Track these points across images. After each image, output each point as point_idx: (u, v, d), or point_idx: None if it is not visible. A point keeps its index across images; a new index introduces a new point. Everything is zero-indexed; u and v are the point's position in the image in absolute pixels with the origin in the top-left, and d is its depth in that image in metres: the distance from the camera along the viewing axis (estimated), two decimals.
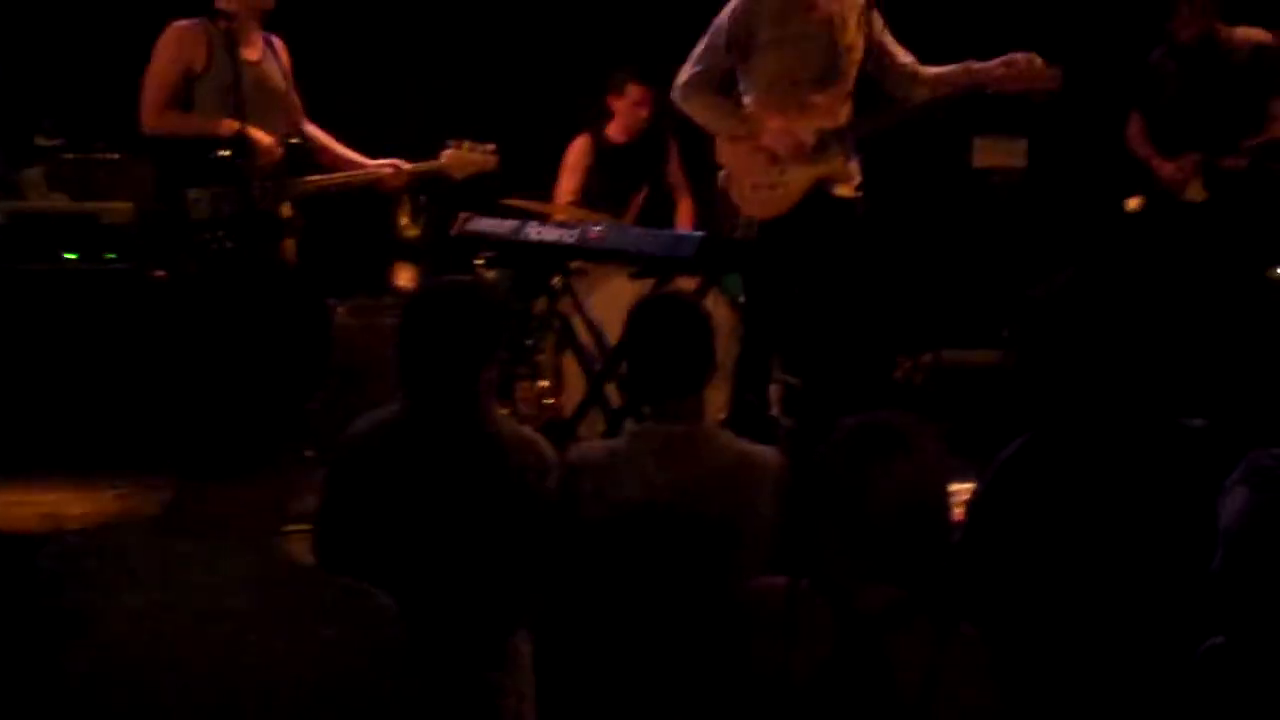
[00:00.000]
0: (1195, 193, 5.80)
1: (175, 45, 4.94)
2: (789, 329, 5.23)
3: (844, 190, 5.08)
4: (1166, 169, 5.85)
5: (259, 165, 4.89)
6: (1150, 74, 5.97)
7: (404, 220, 5.90)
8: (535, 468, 3.08)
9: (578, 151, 6.63)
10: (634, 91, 6.52)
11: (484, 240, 5.30)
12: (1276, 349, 5.62)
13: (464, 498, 3.00)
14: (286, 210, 5.01)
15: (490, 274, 5.98)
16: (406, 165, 5.29)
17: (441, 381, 3.06)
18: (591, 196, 6.53)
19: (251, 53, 5.01)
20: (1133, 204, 6.39)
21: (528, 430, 3.29)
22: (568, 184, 6.59)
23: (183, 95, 4.94)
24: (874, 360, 5.84)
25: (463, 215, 5.22)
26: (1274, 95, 5.74)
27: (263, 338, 1.81)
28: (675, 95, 5.16)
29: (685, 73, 5.11)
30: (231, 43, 4.85)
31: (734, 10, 5.03)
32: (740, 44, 5.02)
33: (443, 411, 3.06)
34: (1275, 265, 5.80)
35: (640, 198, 6.62)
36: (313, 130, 5.29)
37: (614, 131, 6.62)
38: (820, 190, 5.05)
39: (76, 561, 1.79)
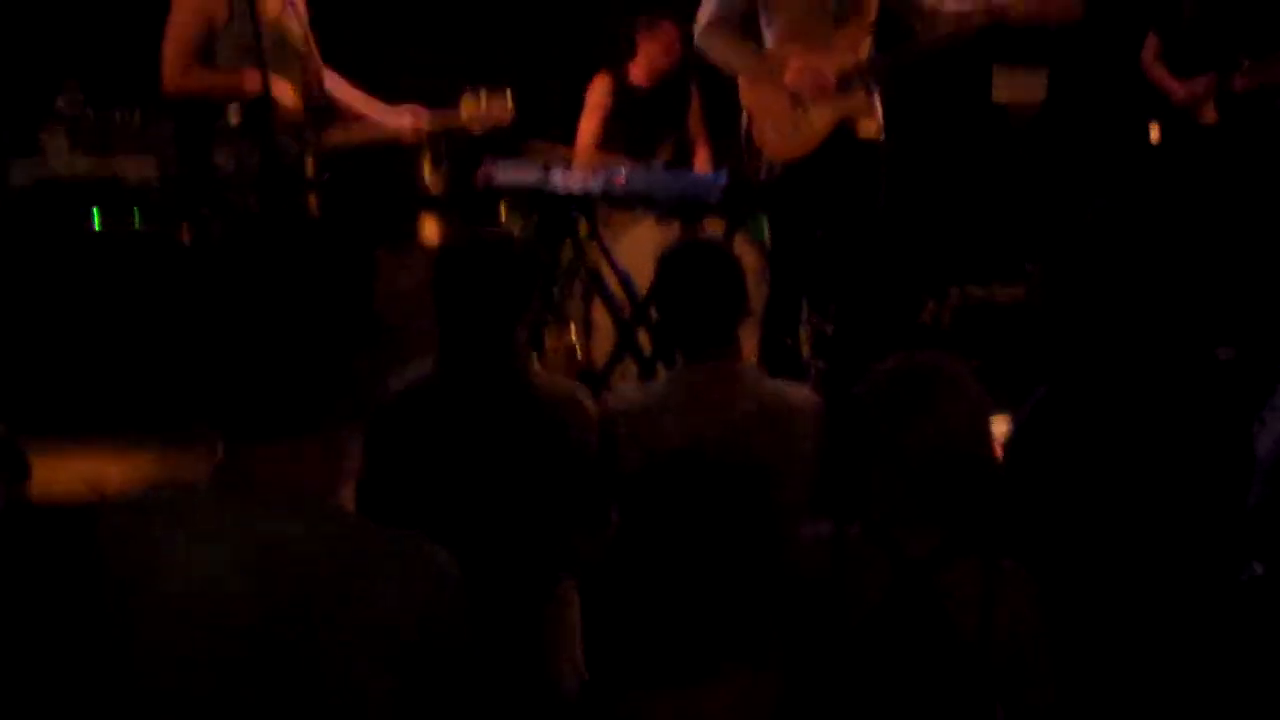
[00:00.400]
0: (1209, 115, 5.75)
1: (195, 1, 4.91)
2: (816, 272, 5.23)
3: (867, 128, 5.05)
4: (1180, 92, 5.82)
5: (283, 122, 4.88)
6: None
7: (427, 172, 5.89)
8: (575, 422, 3.09)
9: (599, 92, 6.51)
10: (669, 29, 6.39)
11: (508, 190, 5.29)
12: None
13: (505, 453, 3.00)
14: (310, 166, 5.01)
15: (516, 223, 5.98)
16: (425, 117, 5.25)
17: (478, 337, 3.07)
18: (614, 141, 6.48)
19: (272, 7, 4.99)
20: (1155, 133, 6.37)
21: (567, 383, 3.29)
22: (589, 125, 6.51)
23: (204, 51, 4.92)
24: (901, 301, 5.83)
25: (485, 165, 5.20)
26: None
27: (295, 296, 1.82)
28: (696, 39, 5.13)
29: (704, 14, 5.08)
30: None
31: None
32: None
33: (480, 367, 3.07)
34: None
35: (665, 146, 6.57)
36: (333, 82, 5.26)
37: (637, 73, 6.51)
38: (843, 130, 5.02)
39: (140, 520, 1.81)
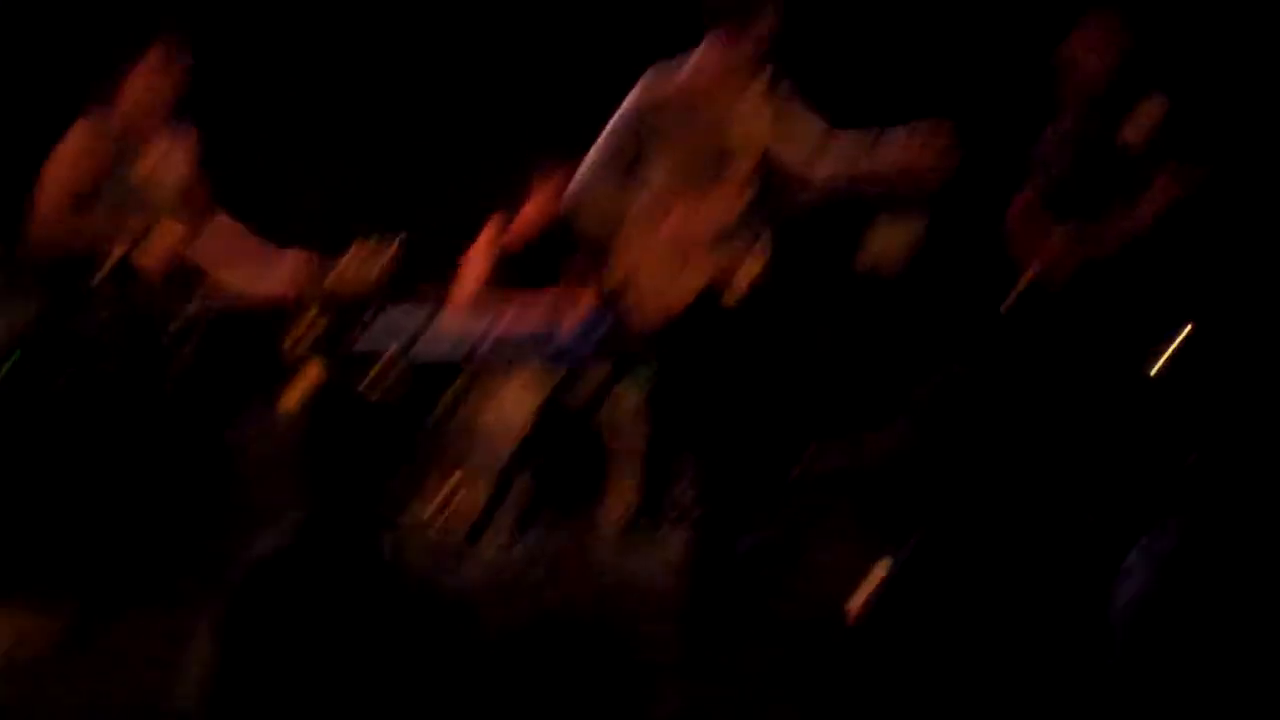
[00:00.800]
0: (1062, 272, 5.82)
1: (71, 150, 4.89)
2: (698, 419, 5.24)
3: (745, 277, 5.11)
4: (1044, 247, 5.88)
5: (149, 281, 4.83)
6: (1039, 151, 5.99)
7: (303, 325, 5.85)
8: (443, 579, 3.06)
9: (487, 238, 6.56)
10: (543, 178, 6.46)
11: (385, 343, 5.27)
12: (1156, 438, 5.61)
13: (368, 607, 2.96)
14: (184, 318, 4.95)
15: (390, 376, 5.94)
16: (308, 269, 5.20)
17: (343, 491, 3.04)
18: (502, 285, 6.50)
19: (145, 161, 4.97)
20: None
21: (433, 538, 3.26)
22: (478, 271, 6.55)
23: (80, 202, 4.88)
24: (779, 448, 5.85)
25: (359, 323, 5.18)
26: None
27: (143, 464, 1.79)
28: (575, 187, 5.17)
29: (586, 164, 5.13)
30: (129, 145, 4.81)
31: (634, 103, 5.07)
32: (640, 136, 5.05)
33: (346, 522, 3.03)
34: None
35: (553, 290, 6.59)
36: (216, 226, 5.21)
37: (521, 222, 6.61)
38: (723, 279, 5.08)
39: None
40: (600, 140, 5.12)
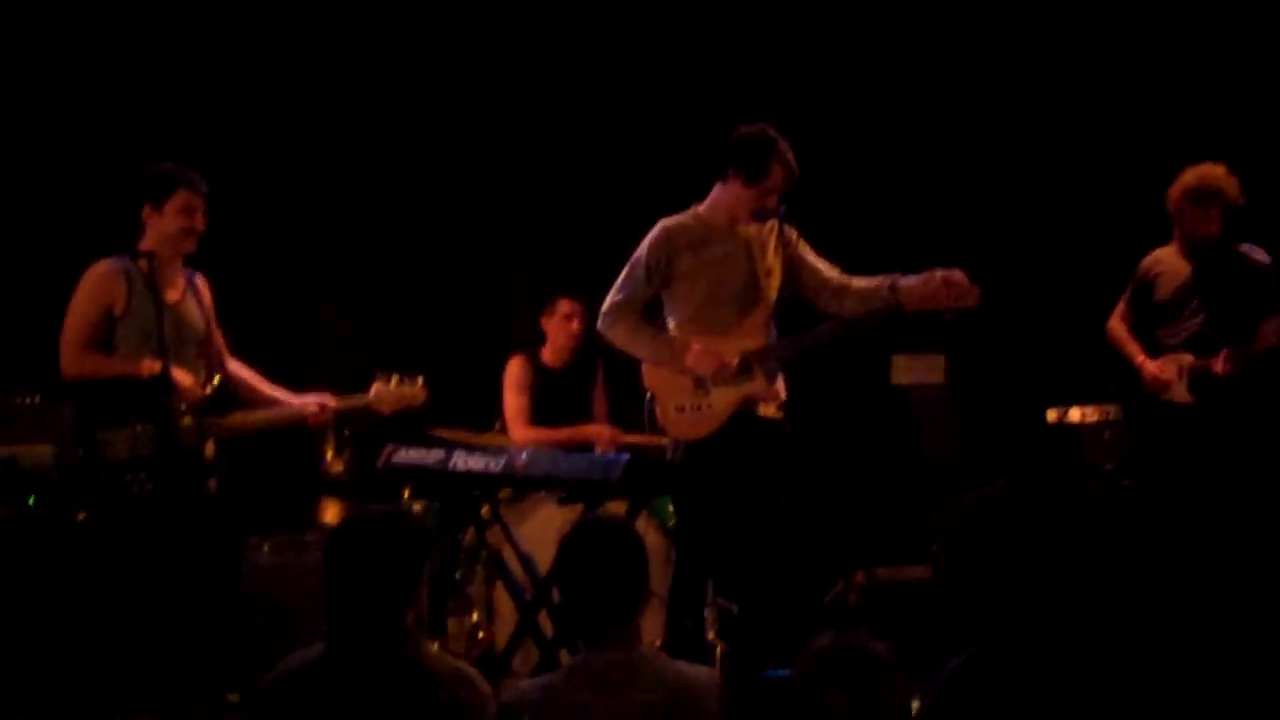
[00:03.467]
0: (1180, 394, 5.83)
1: (96, 286, 4.95)
2: (721, 552, 5.21)
3: (768, 410, 5.12)
4: (1150, 368, 5.87)
5: (181, 405, 4.86)
6: (1146, 271, 5.99)
7: (329, 454, 5.89)
8: (469, 703, 3.03)
9: (518, 369, 6.60)
10: (564, 305, 6.57)
11: (410, 472, 5.27)
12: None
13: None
14: (210, 449, 4.97)
15: (417, 506, 5.95)
16: (332, 402, 5.29)
17: (366, 617, 3.04)
18: (538, 418, 6.54)
19: (173, 293, 5.03)
20: (1052, 415, 6.47)
21: (460, 663, 3.23)
22: (517, 402, 6.55)
23: (104, 336, 4.93)
24: (807, 581, 5.81)
25: (389, 447, 5.20)
26: (1267, 315, 5.78)
27: (175, 582, 1.80)
28: (600, 324, 5.21)
29: (608, 301, 5.17)
30: (152, 283, 4.86)
31: (652, 241, 5.13)
32: (660, 273, 5.11)
33: (369, 648, 3.03)
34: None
35: (577, 423, 6.61)
36: (237, 367, 5.28)
37: (548, 355, 6.64)
38: (745, 411, 5.08)
39: None
40: (624, 275, 5.16)
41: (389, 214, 7.35)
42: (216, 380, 5.06)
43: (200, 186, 5.04)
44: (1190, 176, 5.78)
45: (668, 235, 5.12)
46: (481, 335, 7.47)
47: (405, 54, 7.26)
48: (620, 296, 5.15)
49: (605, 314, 5.18)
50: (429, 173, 7.37)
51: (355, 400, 5.31)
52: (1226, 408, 5.73)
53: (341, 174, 7.24)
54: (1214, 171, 5.76)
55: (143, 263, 4.88)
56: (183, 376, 4.88)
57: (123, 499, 4.72)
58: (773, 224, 5.13)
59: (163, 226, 4.98)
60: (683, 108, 7.12)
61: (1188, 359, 5.78)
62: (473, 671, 3.16)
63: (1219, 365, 5.68)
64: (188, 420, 4.88)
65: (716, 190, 5.16)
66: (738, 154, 5.07)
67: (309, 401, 5.26)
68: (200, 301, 5.15)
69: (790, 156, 5.05)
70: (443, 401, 6.28)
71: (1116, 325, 6.06)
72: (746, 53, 7.21)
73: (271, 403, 5.24)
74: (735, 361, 5.03)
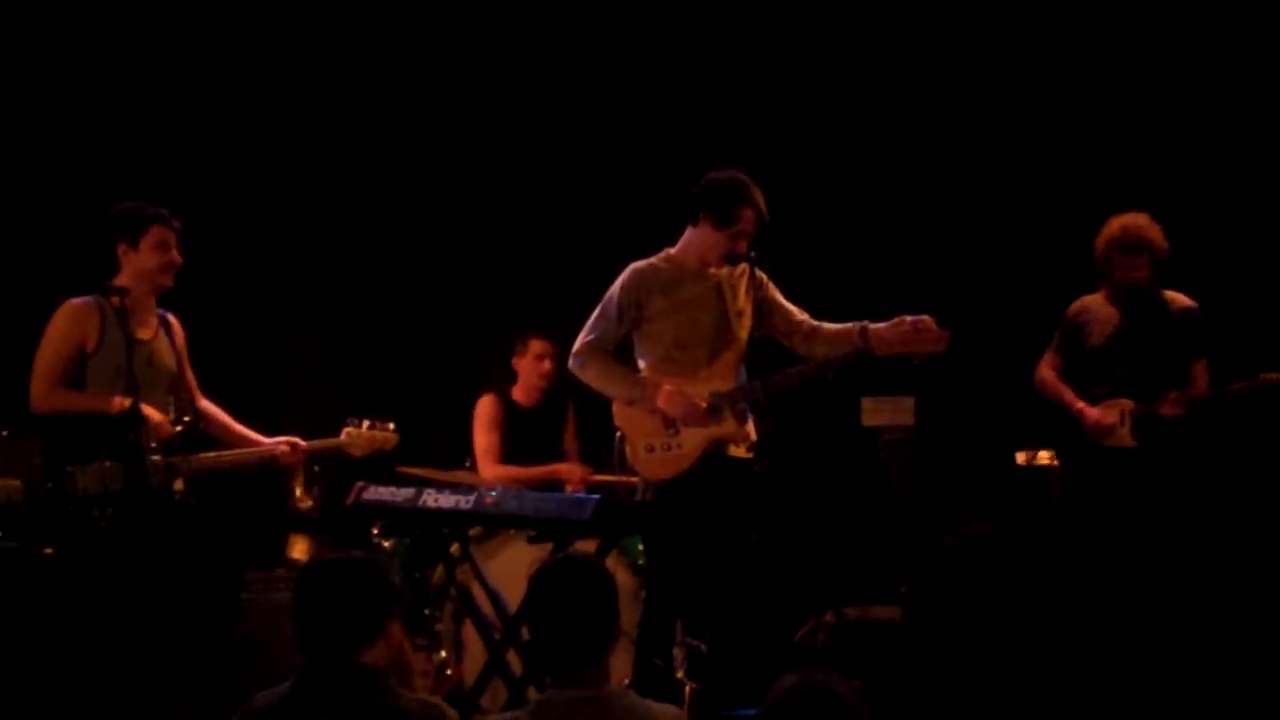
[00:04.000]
0: (1122, 439, 5.88)
1: (67, 323, 4.96)
2: (690, 591, 5.22)
3: (738, 450, 5.14)
4: (1091, 415, 5.90)
5: (151, 443, 4.86)
6: (1075, 319, 6.04)
7: (299, 491, 5.88)
8: None
9: (488, 407, 6.61)
10: (536, 345, 6.59)
11: (379, 510, 5.27)
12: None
13: None
14: (179, 486, 4.96)
15: (387, 544, 5.94)
16: (303, 443, 5.30)
17: (333, 654, 3.07)
18: (508, 456, 6.54)
19: (144, 331, 5.04)
20: (1021, 458, 6.50)
21: (428, 698, 3.24)
22: (486, 440, 6.55)
23: (75, 372, 4.94)
24: (777, 621, 5.82)
25: (358, 485, 5.20)
26: (1196, 359, 5.87)
27: (152, 613, 1.81)
28: (571, 363, 5.24)
29: (580, 341, 5.20)
30: (124, 320, 4.87)
31: (624, 283, 5.16)
32: (631, 314, 5.14)
33: (336, 685, 3.05)
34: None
35: (548, 462, 6.61)
36: (208, 406, 5.29)
37: (519, 394, 6.65)
38: (714, 451, 5.10)
39: None
40: (595, 315, 5.18)
41: (360, 251, 7.35)
42: (187, 419, 5.07)
43: (173, 222, 5.06)
44: (1116, 226, 5.83)
45: (639, 277, 5.15)
46: (452, 373, 7.48)
47: (376, 95, 7.29)
48: (592, 336, 5.17)
49: (577, 354, 5.20)
50: (401, 210, 7.39)
51: (327, 443, 5.34)
52: (1171, 451, 5.78)
53: (312, 212, 7.24)
54: (1139, 220, 5.81)
55: (115, 299, 4.89)
56: (153, 413, 4.89)
57: (90, 533, 4.71)
58: (744, 267, 5.17)
59: (140, 263, 5.00)
60: (656, 149, 7.16)
61: (1128, 404, 5.83)
62: (442, 705, 3.17)
63: (1166, 409, 5.74)
64: (158, 458, 4.88)
65: (688, 234, 5.19)
66: (708, 198, 5.11)
67: (279, 442, 5.27)
68: (173, 340, 5.16)
69: (760, 201, 5.09)
70: (413, 439, 6.27)
71: (1047, 373, 6.08)
72: (720, 98, 7.26)
73: (242, 442, 5.25)
74: (705, 402, 5.06)
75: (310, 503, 5.90)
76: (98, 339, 4.95)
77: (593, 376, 5.19)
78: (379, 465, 5.70)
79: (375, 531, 5.90)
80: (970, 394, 6.89)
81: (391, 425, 5.40)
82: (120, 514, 4.74)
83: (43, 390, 4.93)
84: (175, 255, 5.04)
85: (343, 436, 5.32)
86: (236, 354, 6.81)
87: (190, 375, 5.22)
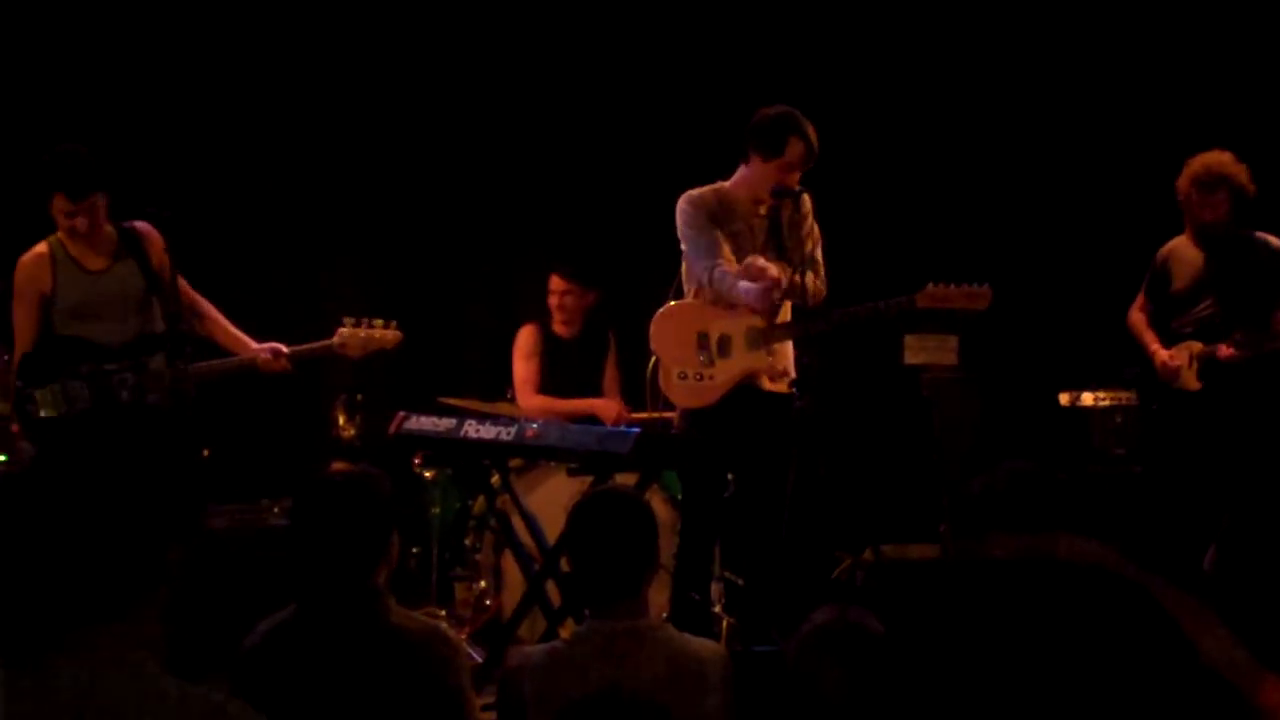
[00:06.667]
0: (1188, 381, 5.83)
1: (21, 278, 5.06)
2: (727, 525, 5.22)
3: (775, 386, 5.11)
4: (1161, 355, 5.82)
5: (113, 362, 4.96)
6: (1162, 262, 5.96)
7: (341, 419, 5.89)
8: (440, 657, 3.05)
9: (528, 337, 6.59)
10: (552, 281, 6.56)
11: (421, 440, 5.28)
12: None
13: (369, 695, 2.94)
14: (157, 399, 5.00)
15: (428, 474, 5.96)
16: (286, 349, 5.21)
17: (333, 577, 3.04)
18: (546, 387, 6.55)
19: (95, 261, 5.05)
20: (1065, 399, 6.47)
21: (430, 622, 3.22)
22: (525, 369, 6.54)
23: (42, 317, 5.03)
24: (814, 557, 5.82)
25: (400, 414, 5.20)
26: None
27: (101, 513, 1.99)
28: (705, 292, 5.12)
29: (700, 275, 5.09)
30: (72, 259, 5.00)
31: (686, 209, 5.10)
32: (709, 226, 5.09)
33: (338, 608, 3.03)
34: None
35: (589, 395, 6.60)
36: (206, 309, 5.22)
37: (558, 325, 6.61)
38: (747, 384, 5.08)
39: None
40: (689, 246, 5.12)
41: (398, 183, 7.33)
42: (159, 333, 5.07)
43: (78, 193, 4.93)
44: (1197, 163, 5.76)
45: (697, 201, 5.12)
46: (493, 305, 7.46)
47: (420, 28, 7.23)
48: (707, 259, 5.08)
49: (705, 285, 5.09)
50: (440, 145, 7.35)
51: (316, 345, 5.23)
52: (1232, 394, 5.71)
53: (348, 145, 7.18)
54: (1220, 158, 5.73)
55: (63, 239, 5.01)
56: (109, 332, 4.99)
57: (51, 450, 4.82)
58: (793, 202, 5.12)
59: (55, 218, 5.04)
60: (698, 89, 7.11)
61: (1197, 346, 5.77)
62: (443, 626, 3.18)
63: (1224, 350, 5.67)
64: (124, 374, 4.95)
65: (740, 170, 5.17)
66: (757, 130, 5.08)
67: (262, 349, 5.21)
68: (143, 258, 5.10)
69: (810, 133, 5.04)
70: (453, 370, 6.31)
71: (1135, 316, 6.04)
72: (755, 49, 7.18)
73: (236, 346, 5.22)
74: (753, 328, 5.03)
75: (352, 431, 5.90)
76: (50, 282, 5.02)
77: (729, 286, 5.04)
78: (421, 396, 5.71)
79: (417, 461, 5.92)
80: (1016, 333, 6.86)
81: (393, 324, 5.25)
82: (85, 431, 4.85)
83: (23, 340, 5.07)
84: (78, 224, 4.96)
85: (335, 338, 5.20)
86: (270, 290, 6.80)
87: (177, 282, 5.09)
